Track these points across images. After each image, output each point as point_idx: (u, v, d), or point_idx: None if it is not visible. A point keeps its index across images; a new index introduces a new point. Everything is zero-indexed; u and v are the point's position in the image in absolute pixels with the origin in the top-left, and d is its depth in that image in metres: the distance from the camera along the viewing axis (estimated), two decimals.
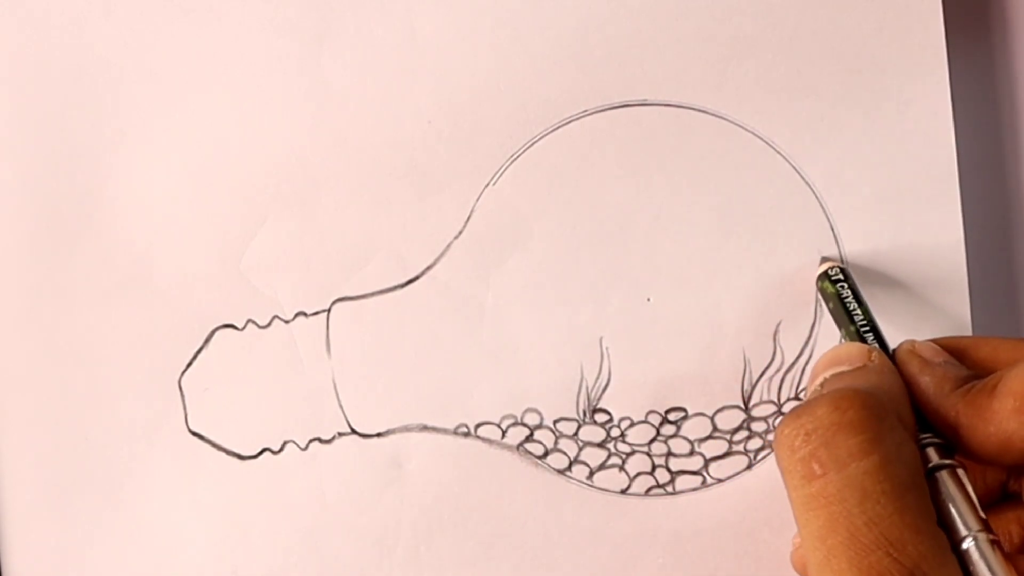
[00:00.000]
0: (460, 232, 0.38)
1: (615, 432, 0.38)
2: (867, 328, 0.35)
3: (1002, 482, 0.34)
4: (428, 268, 0.38)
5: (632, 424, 0.38)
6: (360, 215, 0.38)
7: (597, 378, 0.38)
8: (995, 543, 0.28)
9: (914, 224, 0.38)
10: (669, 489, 0.38)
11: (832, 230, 0.38)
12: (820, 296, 0.37)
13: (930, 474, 0.30)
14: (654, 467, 0.38)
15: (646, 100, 0.38)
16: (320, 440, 0.38)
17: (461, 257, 0.38)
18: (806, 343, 0.38)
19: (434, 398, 0.38)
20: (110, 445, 0.38)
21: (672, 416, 0.38)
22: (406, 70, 0.38)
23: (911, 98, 0.38)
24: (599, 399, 0.38)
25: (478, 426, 0.38)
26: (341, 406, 0.38)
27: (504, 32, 0.38)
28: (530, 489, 0.38)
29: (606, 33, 0.38)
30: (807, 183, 0.38)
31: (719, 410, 0.38)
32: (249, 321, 0.38)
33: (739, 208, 0.38)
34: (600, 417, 0.38)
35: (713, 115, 0.38)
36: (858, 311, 0.35)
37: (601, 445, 0.38)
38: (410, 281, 0.38)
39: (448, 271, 0.38)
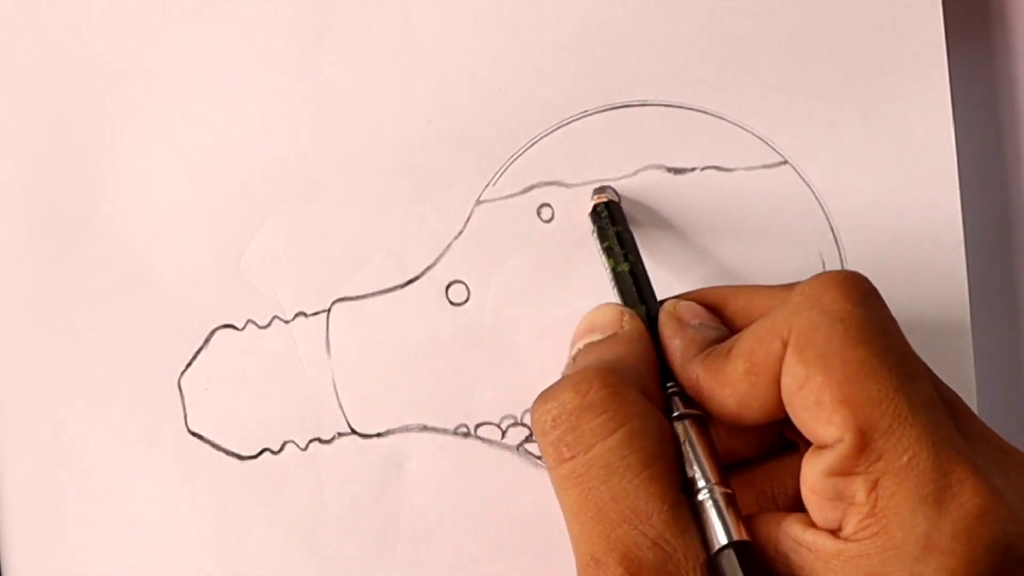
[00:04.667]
0: (460, 232, 0.38)
1: None
2: (627, 273, 0.34)
3: (778, 433, 0.33)
4: (428, 268, 0.38)
5: None
6: (360, 215, 0.38)
7: None
8: (728, 496, 0.29)
9: (914, 224, 0.38)
10: None
11: (832, 230, 0.38)
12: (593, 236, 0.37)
13: (673, 424, 0.31)
14: None
15: (646, 100, 0.38)
16: (320, 440, 0.38)
17: (461, 257, 0.38)
18: None
19: (434, 398, 0.38)
20: (110, 445, 0.38)
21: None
22: (406, 70, 0.38)
23: (911, 98, 0.38)
24: None
25: (478, 426, 0.38)
26: (341, 406, 0.38)
27: (504, 32, 0.38)
28: (530, 489, 0.38)
29: (606, 33, 0.38)
30: (807, 183, 0.38)
31: None
32: (249, 321, 0.38)
33: (739, 208, 0.38)
34: None
35: (713, 115, 0.38)
36: (612, 257, 0.35)
37: None
38: (410, 281, 0.38)
39: (448, 271, 0.38)
